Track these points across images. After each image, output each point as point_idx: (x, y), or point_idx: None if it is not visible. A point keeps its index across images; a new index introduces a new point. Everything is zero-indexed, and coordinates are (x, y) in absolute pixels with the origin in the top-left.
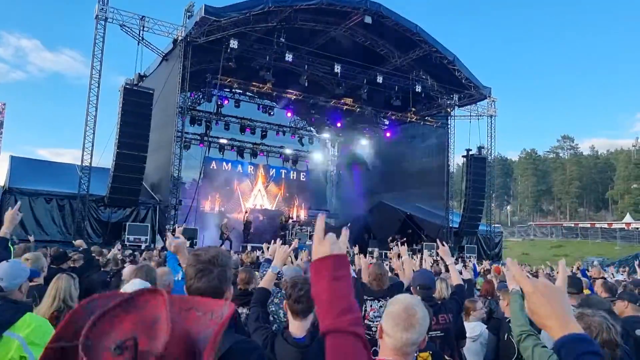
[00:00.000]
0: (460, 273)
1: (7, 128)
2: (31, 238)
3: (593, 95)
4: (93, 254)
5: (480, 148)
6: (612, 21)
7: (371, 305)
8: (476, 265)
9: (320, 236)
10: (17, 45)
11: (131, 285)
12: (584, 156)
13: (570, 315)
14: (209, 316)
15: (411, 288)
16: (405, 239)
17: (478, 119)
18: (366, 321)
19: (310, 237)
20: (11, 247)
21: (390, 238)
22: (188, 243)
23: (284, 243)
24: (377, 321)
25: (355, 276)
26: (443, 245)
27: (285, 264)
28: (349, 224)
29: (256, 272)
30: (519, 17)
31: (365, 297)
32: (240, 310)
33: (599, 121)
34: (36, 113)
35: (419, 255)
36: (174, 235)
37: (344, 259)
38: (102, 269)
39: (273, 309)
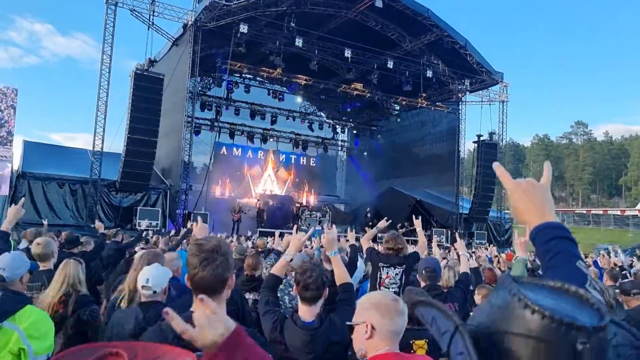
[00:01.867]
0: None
1: (21, 113)
2: (44, 222)
3: (608, 81)
4: (108, 240)
5: (491, 134)
6: (627, 5)
7: (387, 273)
8: (489, 255)
9: None
10: (31, 29)
11: (150, 269)
12: (598, 142)
13: (550, 210)
14: None
15: (417, 275)
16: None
17: (490, 104)
18: (382, 287)
19: (319, 222)
20: (11, 242)
21: (400, 224)
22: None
23: (295, 230)
24: (392, 288)
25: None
26: (461, 239)
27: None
28: (386, 218)
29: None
30: (531, 1)
31: (381, 264)
32: (247, 295)
33: (614, 107)
34: (50, 97)
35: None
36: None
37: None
38: (112, 239)
39: (279, 294)
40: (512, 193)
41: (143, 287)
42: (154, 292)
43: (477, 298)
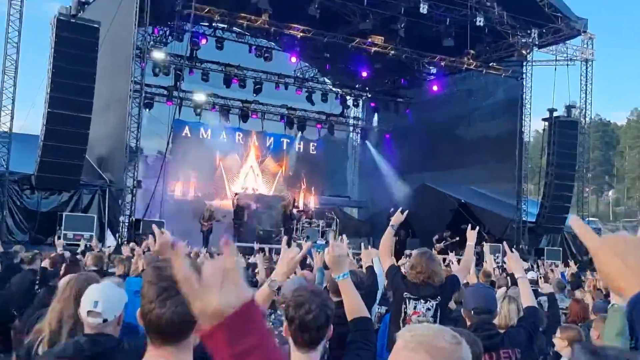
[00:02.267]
0: (537, 283)
1: None
2: None
3: None
4: (16, 260)
5: (569, 107)
6: None
7: (415, 307)
8: (565, 274)
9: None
10: None
11: (98, 288)
12: None
13: None
14: None
15: (462, 312)
16: (458, 238)
17: (567, 65)
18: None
19: (323, 234)
20: None
21: (437, 237)
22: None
23: (288, 243)
24: None
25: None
26: (512, 251)
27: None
28: (400, 208)
29: None
30: None
31: (407, 295)
32: None
33: None
34: None
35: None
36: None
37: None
38: (27, 267)
39: None
40: (596, 254)
41: (89, 312)
42: (104, 320)
43: (561, 344)
